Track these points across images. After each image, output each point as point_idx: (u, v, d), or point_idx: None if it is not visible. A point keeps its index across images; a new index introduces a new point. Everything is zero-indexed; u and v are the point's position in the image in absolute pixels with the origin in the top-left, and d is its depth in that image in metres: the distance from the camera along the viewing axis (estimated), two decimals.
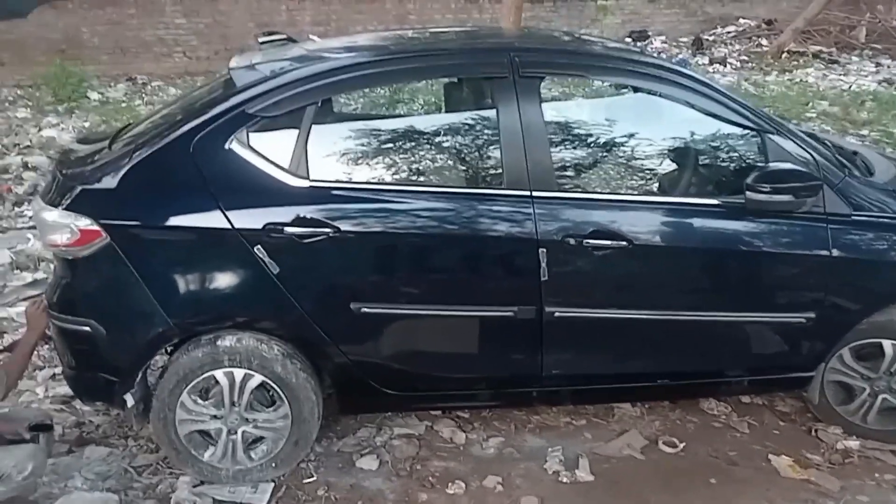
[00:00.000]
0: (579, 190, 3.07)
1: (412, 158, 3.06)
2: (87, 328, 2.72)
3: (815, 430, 3.21)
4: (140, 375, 2.81)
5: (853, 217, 2.92)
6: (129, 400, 2.79)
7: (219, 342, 2.74)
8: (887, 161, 3.51)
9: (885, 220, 2.97)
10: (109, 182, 2.71)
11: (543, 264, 2.77)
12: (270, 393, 2.81)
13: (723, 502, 2.85)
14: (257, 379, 2.76)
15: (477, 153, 3.11)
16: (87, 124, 8.22)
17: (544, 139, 2.87)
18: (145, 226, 2.70)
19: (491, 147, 2.98)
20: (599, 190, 3.12)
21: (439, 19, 12.22)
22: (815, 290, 2.95)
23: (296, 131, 2.76)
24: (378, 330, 2.85)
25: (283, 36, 3.56)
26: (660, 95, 3.03)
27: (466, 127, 3.14)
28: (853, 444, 3.12)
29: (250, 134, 2.73)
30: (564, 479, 2.94)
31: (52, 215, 2.70)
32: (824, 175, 2.89)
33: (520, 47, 3.27)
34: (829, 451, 3.09)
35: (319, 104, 2.83)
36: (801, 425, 3.27)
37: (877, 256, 2.96)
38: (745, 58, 11.80)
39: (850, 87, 9.74)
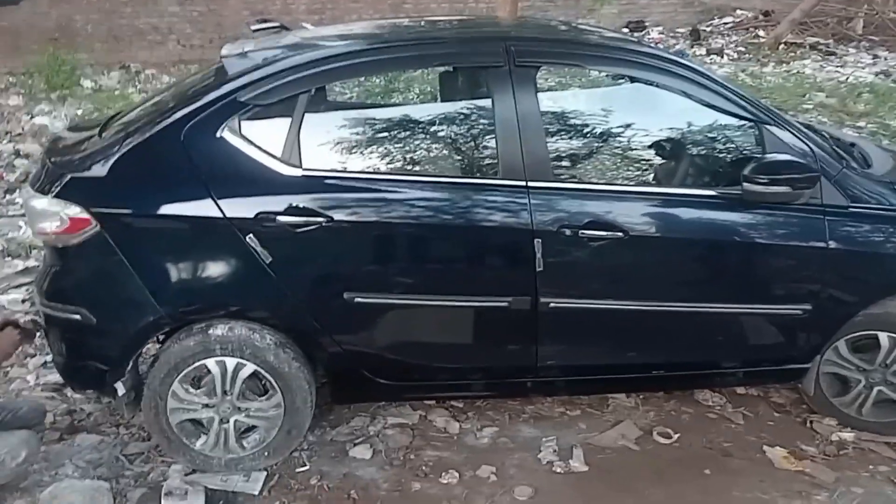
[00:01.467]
0: (575, 180, 3.04)
1: (407, 148, 3.03)
2: (78, 316, 2.70)
3: (810, 422, 3.20)
4: (131, 364, 2.79)
5: (850, 209, 2.90)
6: (120, 388, 2.77)
7: (210, 331, 2.72)
8: (885, 153, 3.49)
9: (883, 212, 2.95)
10: (99, 170, 2.68)
11: (539, 255, 2.75)
12: (263, 382, 2.79)
13: (717, 493, 2.84)
14: (249, 368, 2.74)
15: (472, 143, 3.09)
16: (79, 112, 8.15)
17: (540, 129, 2.85)
18: (136, 214, 2.68)
19: (486, 137, 2.95)
20: (595, 180, 3.10)
21: (435, 8, 12.12)
22: (811, 281, 2.94)
23: (288, 119, 2.74)
24: (371, 320, 2.83)
25: (276, 24, 3.52)
26: (657, 86, 3.00)
27: (462, 116, 3.11)
28: (848, 435, 3.11)
29: (242, 122, 2.70)
30: (558, 470, 2.93)
31: (42, 203, 2.68)
32: (822, 167, 2.87)
33: (515, 36, 3.24)
34: (824, 443, 3.09)
35: (313, 92, 2.80)
36: (795, 417, 3.27)
37: (873, 248, 2.95)
38: (742, 49, 11.74)
39: (847, 78, 9.70)
